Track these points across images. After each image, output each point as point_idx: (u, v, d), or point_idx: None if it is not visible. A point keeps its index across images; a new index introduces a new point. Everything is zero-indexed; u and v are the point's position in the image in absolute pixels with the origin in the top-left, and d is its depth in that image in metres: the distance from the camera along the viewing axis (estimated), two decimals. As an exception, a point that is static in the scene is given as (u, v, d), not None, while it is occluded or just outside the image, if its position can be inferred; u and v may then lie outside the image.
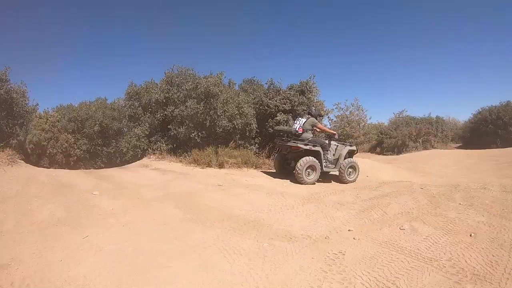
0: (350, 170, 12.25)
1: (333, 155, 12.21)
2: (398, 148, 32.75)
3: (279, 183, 11.96)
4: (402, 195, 9.69)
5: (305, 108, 16.36)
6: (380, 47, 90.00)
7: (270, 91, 18.44)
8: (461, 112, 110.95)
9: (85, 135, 23.29)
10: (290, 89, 18.27)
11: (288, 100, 16.77)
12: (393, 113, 44.49)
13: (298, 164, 11.18)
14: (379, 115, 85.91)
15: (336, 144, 12.44)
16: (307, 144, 11.32)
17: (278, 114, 16.29)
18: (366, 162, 20.34)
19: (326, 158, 11.76)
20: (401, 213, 7.94)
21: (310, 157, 11.21)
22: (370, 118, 45.65)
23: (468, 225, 6.82)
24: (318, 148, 11.44)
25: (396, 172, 18.56)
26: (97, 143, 23.55)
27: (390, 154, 31.98)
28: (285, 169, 12.80)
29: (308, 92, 17.48)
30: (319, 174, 11.57)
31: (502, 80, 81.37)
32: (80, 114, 23.51)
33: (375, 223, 7.30)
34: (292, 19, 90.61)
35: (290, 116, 16.14)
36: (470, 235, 6.22)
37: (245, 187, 11.10)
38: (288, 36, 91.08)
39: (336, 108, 45.60)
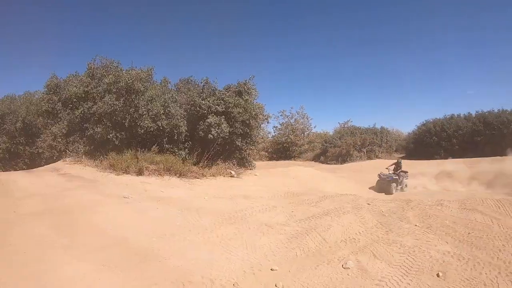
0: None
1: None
2: (342, 157, 32.06)
3: (200, 196, 10.06)
4: (346, 214, 8.01)
5: (240, 111, 14.73)
6: (328, 56, 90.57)
7: (205, 91, 16.63)
8: (404, 124, 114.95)
9: (5, 132, 20.23)
10: (227, 89, 16.58)
11: (222, 101, 15.00)
12: (339, 122, 44.40)
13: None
14: (325, 124, 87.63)
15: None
16: None
17: (209, 116, 14.45)
18: (308, 171, 19.09)
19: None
20: (344, 240, 6.18)
21: None
22: (315, 127, 45.58)
23: (432, 259, 5.19)
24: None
25: (341, 183, 17.35)
26: (19, 141, 20.26)
27: (334, 163, 31.17)
28: None
29: (246, 93, 15.85)
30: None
31: (446, 95, 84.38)
32: (1, 108, 20.54)
33: (310, 257, 5.43)
34: (239, 23, 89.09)
35: (223, 119, 14.36)
36: (438, 275, 4.62)
37: (156, 200, 9.07)
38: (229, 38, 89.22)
39: (281, 115, 44.92)
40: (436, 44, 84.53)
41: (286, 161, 36.50)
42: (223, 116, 14.72)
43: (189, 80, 19.67)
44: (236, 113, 14.82)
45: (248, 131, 15.54)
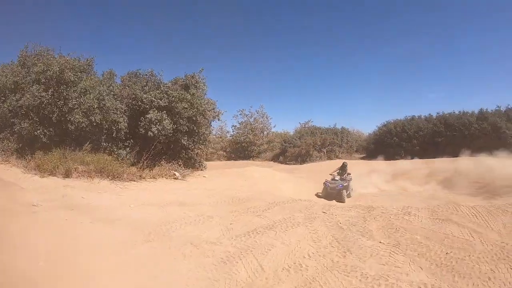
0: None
1: None
2: (301, 157, 31.26)
3: (127, 203, 8.58)
4: (296, 227, 6.69)
5: (185, 106, 13.32)
6: (290, 56, 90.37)
7: (149, 84, 15.07)
8: (366, 126, 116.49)
9: None
10: (174, 83, 15.14)
11: (165, 95, 13.52)
12: (299, 122, 43.78)
13: None
14: (287, 124, 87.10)
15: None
16: None
17: (150, 111, 12.93)
18: (264, 172, 17.88)
19: None
20: (288, 268, 4.83)
21: None
22: (274, 126, 44.86)
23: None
24: None
25: (299, 184, 16.32)
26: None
27: (293, 164, 30.29)
28: None
29: (194, 87, 14.45)
30: None
31: (407, 97, 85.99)
32: None
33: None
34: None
35: (165, 114, 12.86)
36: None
37: (70, 208, 7.43)
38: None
39: (241, 114, 43.81)
40: (398, 45, 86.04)
41: (245, 161, 35.36)
42: (165, 112, 13.22)
43: (137, 73, 18.00)
44: (180, 108, 13.34)
45: (195, 128, 14.10)
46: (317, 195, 14.70)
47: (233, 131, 43.98)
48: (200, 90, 14.66)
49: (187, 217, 7.35)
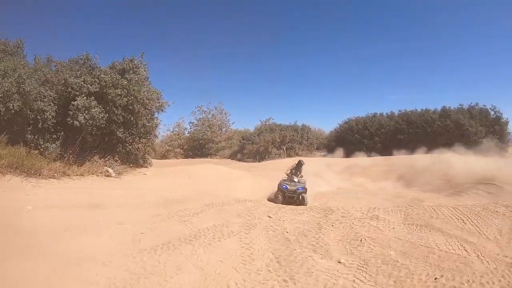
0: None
1: None
2: (260, 155, 29.93)
3: (28, 205, 6.87)
4: (226, 238, 5.16)
5: (120, 93, 11.53)
6: (255, 56, 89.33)
7: (82, 69, 13.14)
8: (328, 124, 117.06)
9: None
10: (111, 68, 13.32)
11: (97, 80, 11.67)
12: (260, 120, 42.43)
13: None
14: (249, 122, 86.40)
15: None
16: None
17: (78, 98, 11.04)
18: (216, 170, 16.34)
19: None
20: None
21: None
22: (233, 123, 43.57)
23: None
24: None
25: (252, 183, 14.93)
26: None
27: (252, 161, 28.92)
28: None
29: (132, 72, 12.67)
30: None
31: (369, 97, 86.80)
32: None
33: None
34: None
35: (95, 102, 10.98)
36: None
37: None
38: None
39: (199, 110, 42.09)
40: (360, 48, 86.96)
41: (202, 159, 33.76)
42: (95, 98, 11.38)
43: (78, 59, 15.91)
44: (114, 95, 11.54)
45: (132, 119, 12.31)
46: (270, 200, 12.05)
47: (190, 128, 42.30)
48: (139, 76, 12.86)
49: (91, 224, 5.71)
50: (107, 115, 11.53)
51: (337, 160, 24.91)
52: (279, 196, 11.72)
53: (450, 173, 16.50)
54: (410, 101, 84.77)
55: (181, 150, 40.50)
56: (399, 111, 32.89)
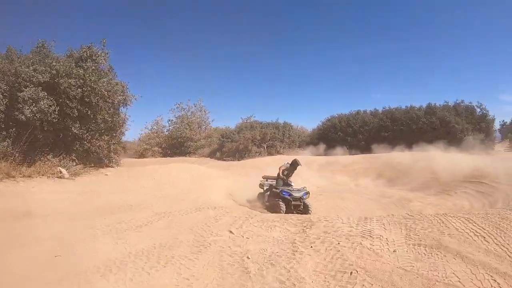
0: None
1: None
2: (239, 153, 28.76)
3: None
4: (162, 267, 3.80)
5: (74, 83, 10.17)
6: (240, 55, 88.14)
7: (36, 57, 11.72)
8: (311, 123, 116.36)
9: None
10: (68, 56, 11.95)
11: (49, 68, 10.31)
12: (241, 117, 41.37)
13: None
14: (231, 120, 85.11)
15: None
16: None
17: (25, 89, 9.65)
18: (192, 169, 15.06)
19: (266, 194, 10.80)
20: None
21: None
22: (213, 121, 42.29)
23: None
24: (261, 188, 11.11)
25: (230, 184, 13.63)
26: None
27: (231, 160, 27.71)
28: None
29: (91, 60, 11.32)
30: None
31: (352, 95, 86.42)
32: None
33: None
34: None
35: (43, 93, 9.56)
36: None
37: None
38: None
39: (178, 108, 40.69)
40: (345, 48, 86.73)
41: (179, 158, 32.46)
42: (42, 89, 9.99)
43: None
44: (66, 85, 10.19)
45: (89, 113, 10.95)
46: (268, 209, 9.88)
47: (169, 126, 40.91)
48: (98, 65, 11.52)
49: (3, 239, 4.42)
50: (58, 108, 10.15)
51: (318, 158, 23.96)
52: (281, 205, 9.54)
53: (435, 171, 15.80)
54: (395, 100, 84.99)
55: (160, 149, 39.16)
56: (383, 108, 32.29)
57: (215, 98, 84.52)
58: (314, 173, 18.48)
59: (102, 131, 12.02)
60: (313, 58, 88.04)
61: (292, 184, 10.65)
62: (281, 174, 10.61)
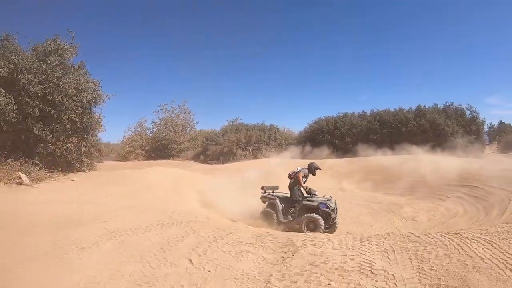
0: (310, 225, 8.48)
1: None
2: (224, 156, 27.77)
3: None
4: None
5: (34, 79, 9.14)
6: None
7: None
8: (298, 126, 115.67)
9: None
10: (34, 50, 10.93)
11: (7, 62, 9.29)
12: (227, 120, 40.08)
13: None
14: (218, 123, 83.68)
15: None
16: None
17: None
18: (172, 173, 14.06)
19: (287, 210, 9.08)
20: None
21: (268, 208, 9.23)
22: (197, 123, 41.17)
23: None
24: (273, 202, 9.21)
25: (212, 189, 12.59)
26: None
27: (215, 163, 26.71)
28: None
29: (56, 54, 10.33)
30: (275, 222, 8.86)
31: (340, 98, 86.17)
32: None
33: None
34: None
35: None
36: None
37: None
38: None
39: (162, 109, 39.42)
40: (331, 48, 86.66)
41: (162, 161, 31.32)
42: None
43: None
44: (26, 81, 9.18)
45: (53, 112, 9.94)
46: (302, 228, 8.43)
47: (153, 128, 39.71)
48: (63, 60, 10.52)
49: None
50: (16, 106, 9.12)
51: (302, 161, 23.14)
52: (321, 222, 8.28)
53: (423, 174, 15.27)
54: (382, 103, 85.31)
55: (143, 152, 37.97)
56: (371, 110, 31.63)
57: (202, 100, 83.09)
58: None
59: (69, 132, 10.99)
60: (300, 60, 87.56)
61: (317, 193, 9.05)
62: (302, 183, 9.08)
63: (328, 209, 8.54)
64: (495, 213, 9.49)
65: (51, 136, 10.31)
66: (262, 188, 9.75)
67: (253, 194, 12.42)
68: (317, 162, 19.99)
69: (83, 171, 12.68)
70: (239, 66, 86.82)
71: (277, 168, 17.22)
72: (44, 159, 10.65)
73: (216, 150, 29.01)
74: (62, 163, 11.59)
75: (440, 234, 4.87)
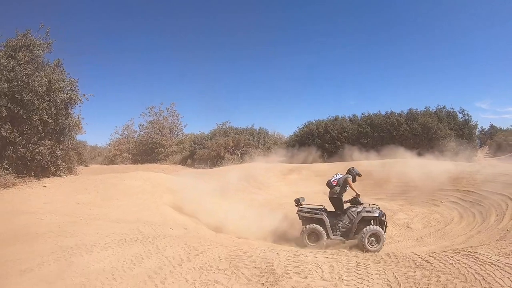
0: (372, 239, 7.93)
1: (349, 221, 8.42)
2: (212, 160, 27.14)
3: None
4: None
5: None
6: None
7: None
8: (289, 129, 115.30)
9: None
10: (5, 46, 10.27)
11: (-30, 58, 8.66)
12: (216, 123, 39.37)
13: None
14: (208, 126, 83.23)
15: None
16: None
17: None
18: (156, 178, 13.28)
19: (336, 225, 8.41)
20: None
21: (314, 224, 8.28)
22: (185, 126, 40.60)
23: None
24: (320, 216, 8.33)
25: (197, 197, 11.97)
26: None
27: (202, 167, 26.09)
28: None
29: (27, 50, 9.68)
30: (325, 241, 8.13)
31: (329, 103, 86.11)
32: None
33: None
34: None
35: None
36: None
37: None
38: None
39: (149, 112, 38.78)
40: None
41: (149, 165, 30.58)
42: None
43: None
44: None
45: (22, 113, 9.26)
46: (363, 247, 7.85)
47: (140, 131, 39.00)
48: (35, 56, 9.87)
49: None
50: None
51: (289, 166, 22.67)
52: (383, 236, 7.96)
53: (416, 179, 14.83)
54: (370, 107, 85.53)
55: (130, 155, 37.26)
56: (362, 114, 31.28)
57: (192, 103, 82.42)
58: (278, 180, 17.23)
59: (42, 134, 10.30)
60: (287, 63, 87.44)
61: (361, 201, 8.69)
62: (356, 189, 8.56)
63: (384, 218, 8.24)
64: (492, 219, 9.14)
65: (20, 138, 9.60)
66: (297, 201, 8.91)
67: (238, 199, 11.88)
68: (306, 166, 19.50)
69: (59, 175, 11.97)
70: (230, 68, 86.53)
71: (261, 172, 16.81)
72: (14, 162, 9.94)
73: (203, 154, 28.40)
74: (35, 167, 10.88)
75: (451, 256, 4.24)
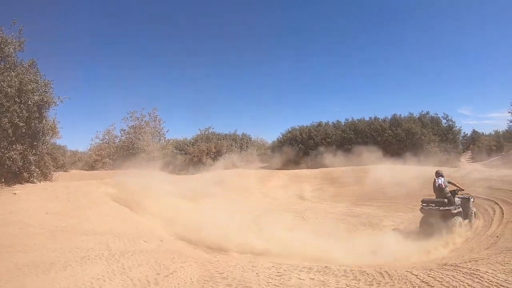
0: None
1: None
2: (193, 166, 26.78)
3: None
4: None
5: None
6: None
7: None
8: (273, 136, 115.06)
9: None
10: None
11: None
12: (199, 129, 39.10)
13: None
14: (192, 132, 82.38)
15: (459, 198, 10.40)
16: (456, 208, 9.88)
17: None
18: (131, 186, 12.84)
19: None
20: None
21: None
22: (167, 131, 39.76)
23: None
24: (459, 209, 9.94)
25: (174, 206, 11.67)
26: None
27: (184, 173, 25.71)
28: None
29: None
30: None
31: (315, 109, 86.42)
32: None
33: None
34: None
35: None
36: None
37: None
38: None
39: (131, 117, 38.02)
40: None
41: (131, 171, 29.97)
42: None
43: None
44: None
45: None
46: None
47: (121, 136, 38.16)
48: (4, 55, 9.48)
49: None
50: None
51: (273, 172, 22.57)
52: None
53: (401, 185, 14.92)
54: (354, 112, 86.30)
55: (111, 161, 36.44)
56: (346, 119, 31.39)
57: (176, 108, 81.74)
58: (258, 186, 17.08)
59: (13, 138, 9.87)
60: (274, 67, 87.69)
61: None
62: (459, 186, 10.56)
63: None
64: (480, 225, 9.14)
65: (-9, 143, 9.20)
66: (423, 201, 10.34)
67: (218, 206, 11.61)
68: (288, 172, 19.38)
69: (33, 182, 11.51)
70: (214, 74, 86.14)
71: (231, 176, 16.74)
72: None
73: (185, 160, 28.03)
74: (6, 173, 10.43)
75: (452, 276, 3.97)
